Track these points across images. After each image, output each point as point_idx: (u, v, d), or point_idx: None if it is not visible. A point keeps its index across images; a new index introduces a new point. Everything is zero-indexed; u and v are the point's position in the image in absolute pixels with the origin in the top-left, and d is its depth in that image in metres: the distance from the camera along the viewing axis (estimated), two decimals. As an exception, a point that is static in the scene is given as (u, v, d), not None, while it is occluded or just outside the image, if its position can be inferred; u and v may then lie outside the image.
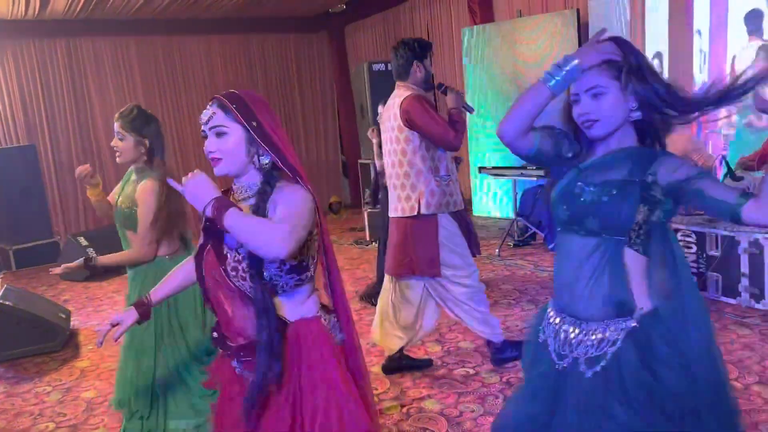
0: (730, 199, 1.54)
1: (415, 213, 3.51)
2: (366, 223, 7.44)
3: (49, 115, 8.88)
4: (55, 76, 8.92)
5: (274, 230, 1.56)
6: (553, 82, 1.65)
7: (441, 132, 3.41)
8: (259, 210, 1.67)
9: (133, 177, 2.71)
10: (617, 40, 1.71)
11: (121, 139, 2.65)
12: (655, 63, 6.15)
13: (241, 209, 1.63)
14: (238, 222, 1.57)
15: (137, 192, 2.62)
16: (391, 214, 3.65)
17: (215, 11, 9.10)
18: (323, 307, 1.84)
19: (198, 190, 1.62)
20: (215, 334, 1.84)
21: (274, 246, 1.54)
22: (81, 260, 2.71)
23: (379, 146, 4.50)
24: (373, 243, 7.24)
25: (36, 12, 8.06)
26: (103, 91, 9.20)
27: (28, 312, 4.72)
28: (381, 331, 3.78)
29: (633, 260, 1.65)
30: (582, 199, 1.67)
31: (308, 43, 10.89)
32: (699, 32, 5.66)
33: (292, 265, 1.70)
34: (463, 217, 3.66)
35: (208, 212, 1.60)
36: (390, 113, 3.57)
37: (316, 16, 10.50)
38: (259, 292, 1.66)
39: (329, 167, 11.26)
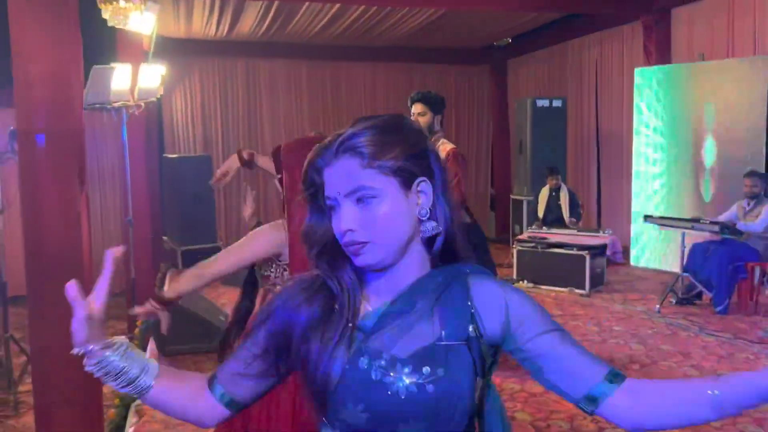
0: (592, 375, 1.04)
1: None
2: (515, 260, 7.25)
3: (224, 129, 9.59)
4: (233, 94, 9.64)
5: None
6: None
7: None
8: None
9: None
10: None
11: None
12: None
13: None
14: None
15: None
16: None
17: (385, 40, 9.41)
18: None
19: None
20: None
21: None
22: None
23: None
24: (521, 282, 7.05)
25: (224, 32, 8.76)
26: (274, 111, 9.79)
27: (194, 312, 5.05)
28: None
29: None
30: (390, 393, 1.01)
31: (469, 75, 10.96)
32: None
33: None
34: None
35: None
36: None
37: (480, 48, 10.55)
38: None
39: (477, 200, 11.20)
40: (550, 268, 6.88)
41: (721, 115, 6.78)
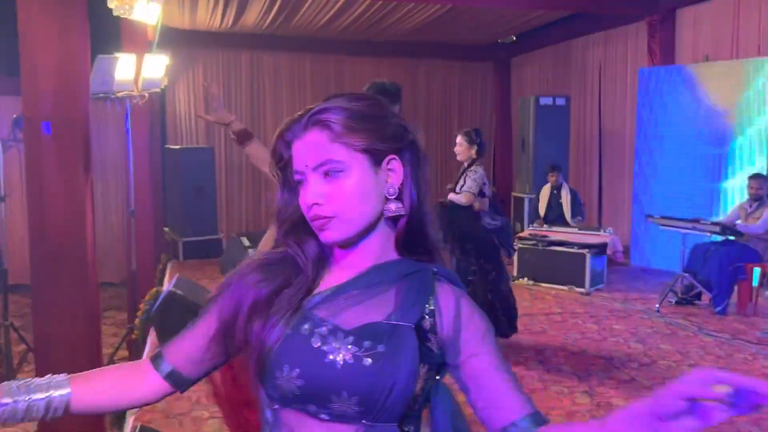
0: (515, 410, 1.00)
1: None
2: (515, 257, 7.25)
3: (227, 121, 9.60)
4: (237, 86, 9.63)
5: None
6: None
7: None
8: None
9: None
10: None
11: None
12: None
13: None
14: None
15: None
16: None
17: (389, 35, 9.40)
18: None
19: None
20: None
21: None
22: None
23: None
24: (522, 279, 7.06)
25: (229, 24, 8.75)
26: (277, 104, 9.78)
27: (194, 303, 5.05)
28: None
29: None
30: (327, 361, 1.00)
31: (473, 71, 10.94)
32: None
33: None
34: None
35: None
36: None
37: (484, 45, 10.54)
38: None
39: (479, 197, 11.21)
40: (551, 266, 6.89)
41: (724, 116, 6.78)
